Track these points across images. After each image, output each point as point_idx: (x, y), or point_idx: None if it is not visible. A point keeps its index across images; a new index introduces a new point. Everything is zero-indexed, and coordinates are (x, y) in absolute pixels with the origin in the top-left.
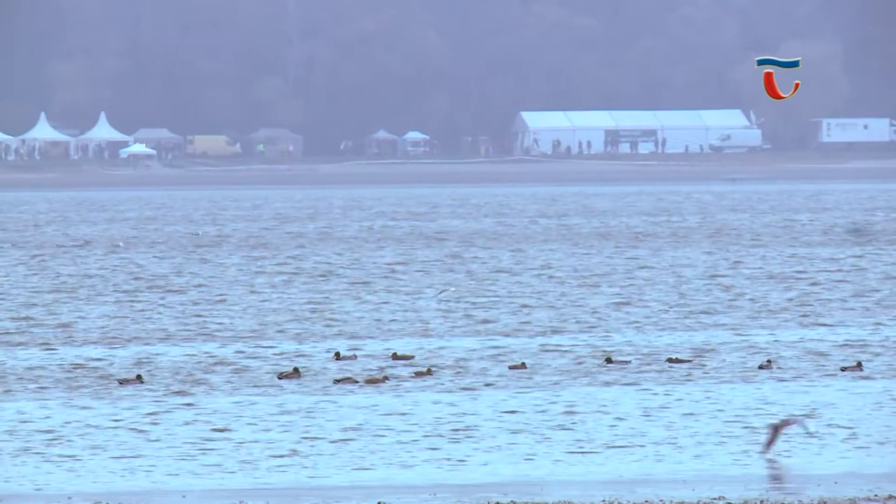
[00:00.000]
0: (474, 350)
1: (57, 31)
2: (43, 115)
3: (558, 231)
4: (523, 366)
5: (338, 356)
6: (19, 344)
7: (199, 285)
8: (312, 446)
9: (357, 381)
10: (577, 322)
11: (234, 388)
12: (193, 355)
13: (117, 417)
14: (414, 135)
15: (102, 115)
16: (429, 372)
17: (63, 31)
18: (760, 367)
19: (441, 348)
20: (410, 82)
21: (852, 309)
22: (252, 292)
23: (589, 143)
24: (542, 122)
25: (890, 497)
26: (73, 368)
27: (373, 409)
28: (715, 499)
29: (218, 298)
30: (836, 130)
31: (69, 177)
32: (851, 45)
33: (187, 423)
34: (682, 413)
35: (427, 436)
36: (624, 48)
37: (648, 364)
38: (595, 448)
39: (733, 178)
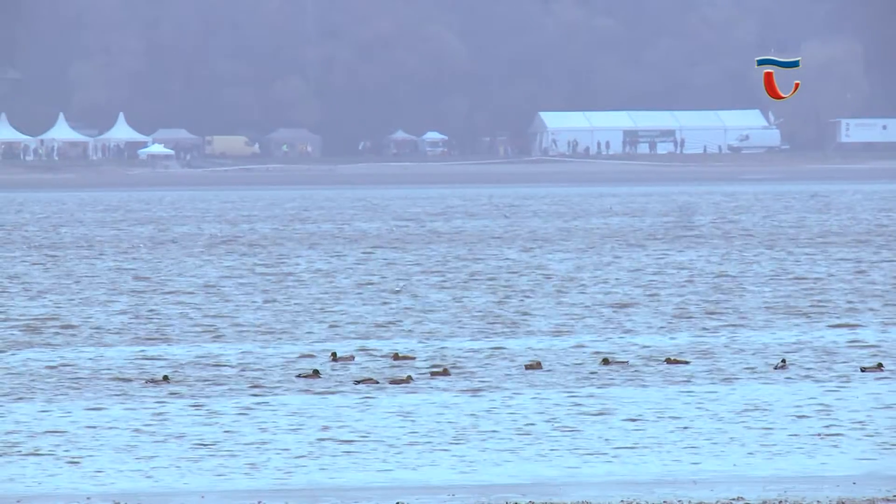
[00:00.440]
0: (475, 350)
1: (76, 31)
2: (62, 115)
3: (569, 232)
4: (539, 365)
5: (334, 357)
6: (47, 344)
7: (222, 284)
8: (331, 446)
9: (378, 382)
10: (583, 323)
11: (254, 389)
12: (217, 355)
13: (139, 418)
14: (432, 135)
15: (121, 116)
16: (445, 372)
17: (82, 31)
18: (776, 368)
19: (443, 348)
20: (429, 83)
21: (872, 310)
22: (267, 291)
23: (607, 144)
24: (560, 123)
25: None
26: (99, 368)
27: (391, 410)
28: (733, 499)
29: (236, 297)
30: (855, 131)
31: (88, 177)
32: (871, 46)
33: (207, 423)
34: (698, 413)
35: (445, 436)
36: (643, 48)
37: (656, 364)
38: (613, 448)
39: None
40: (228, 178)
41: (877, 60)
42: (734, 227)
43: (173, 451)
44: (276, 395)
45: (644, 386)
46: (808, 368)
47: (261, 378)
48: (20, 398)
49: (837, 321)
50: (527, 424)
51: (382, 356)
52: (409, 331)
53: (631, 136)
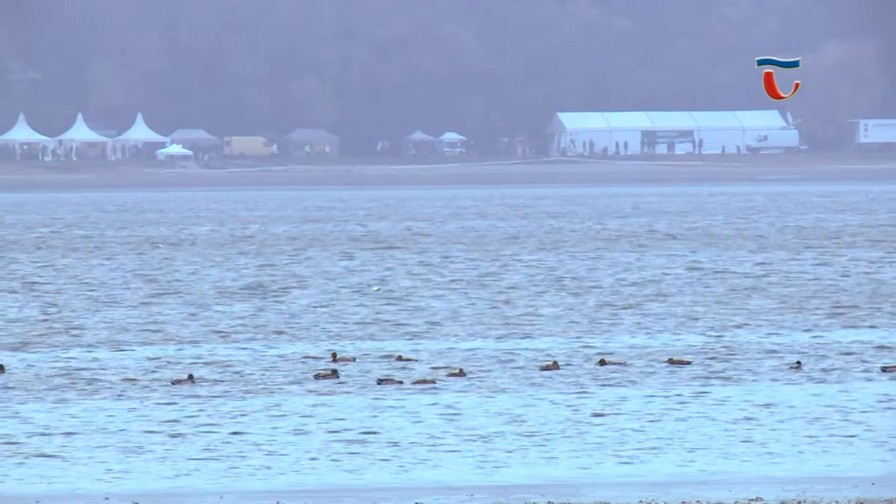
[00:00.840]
0: (478, 350)
1: (94, 31)
2: (80, 115)
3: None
4: (556, 366)
5: (334, 357)
6: (66, 344)
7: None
8: (349, 447)
9: (401, 382)
10: (595, 323)
11: (272, 389)
12: (234, 355)
13: (158, 417)
14: (450, 136)
15: (139, 116)
16: (461, 373)
17: (100, 31)
18: (791, 367)
19: (449, 349)
20: (447, 83)
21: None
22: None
23: (626, 144)
24: (578, 123)
25: None
26: (118, 368)
27: (411, 411)
28: (752, 499)
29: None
30: (874, 131)
31: (106, 178)
32: (889, 46)
33: (226, 424)
34: (715, 414)
35: (464, 436)
36: (661, 49)
37: (658, 364)
38: (631, 449)
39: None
40: (247, 178)
41: (895, 61)
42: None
43: (192, 451)
44: (296, 395)
45: (661, 386)
46: (825, 369)
47: (279, 378)
48: (40, 398)
49: (855, 321)
50: (544, 425)
51: (384, 357)
52: (413, 332)
53: (649, 137)
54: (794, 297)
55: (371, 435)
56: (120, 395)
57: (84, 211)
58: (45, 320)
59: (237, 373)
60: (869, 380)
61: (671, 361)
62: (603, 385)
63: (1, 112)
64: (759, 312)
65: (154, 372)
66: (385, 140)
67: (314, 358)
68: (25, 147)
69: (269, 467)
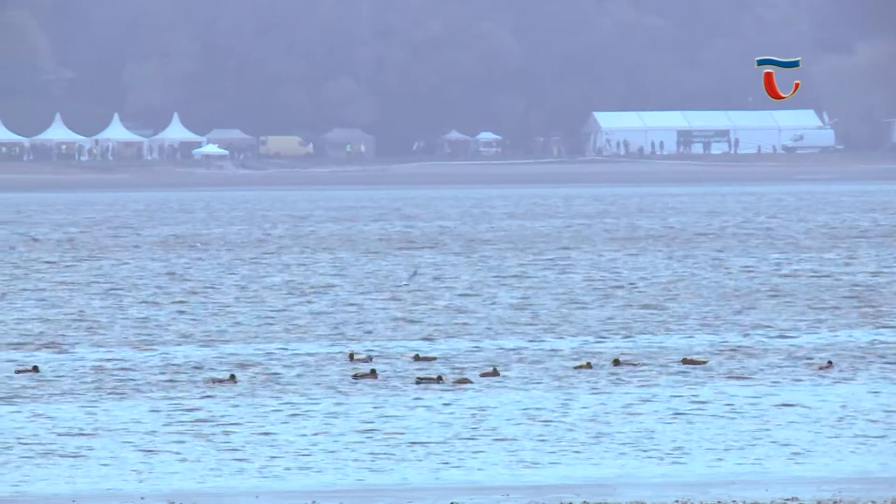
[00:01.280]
0: (509, 350)
1: (131, 31)
2: (116, 115)
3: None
4: (588, 365)
5: (352, 357)
6: (118, 343)
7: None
8: (385, 446)
9: (439, 381)
10: (622, 323)
11: (311, 389)
12: (272, 354)
13: (193, 418)
14: (486, 135)
15: (175, 116)
16: (495, 373)
17: (137, 31)
18: (821, 368)
19: (477, 349)
20: (483, 82)
21: None
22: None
23: (661, 144)
24: (614, 123)
25: None
26: (168, 368)
27: (444, 411)
28: (788, 499)
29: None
30: None
31: (142, 177)
32: None
33: (262, 423)
34: (750, 414)
35: (499, 436)
36: (697, 48)
37: (672, 364)
38: (666, 449)
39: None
40: (283, 178)
41: None
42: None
43: (228, 450)
44: (334, 395)
45: (694, 386)
46: (855, 369)
47: (318, 378)
48: (76, 398)
49: (886, 321)
50: (578, 424)
51: (401, 356)
52: (432, 332)
53: (685, 137)
54: (823, 296)
55: (407, 435)
56: (156, 395)
57: (150, 210)
58: (80, 320)
59: (276, 373)
60: None
61: (685, 361)
62: (637, 385)
63: (38, 112)
64: (786, 312)
65: (195, 371)
66: (421, 140)
67: (355, 358)
68: (64, 147)
69: (305, 467)
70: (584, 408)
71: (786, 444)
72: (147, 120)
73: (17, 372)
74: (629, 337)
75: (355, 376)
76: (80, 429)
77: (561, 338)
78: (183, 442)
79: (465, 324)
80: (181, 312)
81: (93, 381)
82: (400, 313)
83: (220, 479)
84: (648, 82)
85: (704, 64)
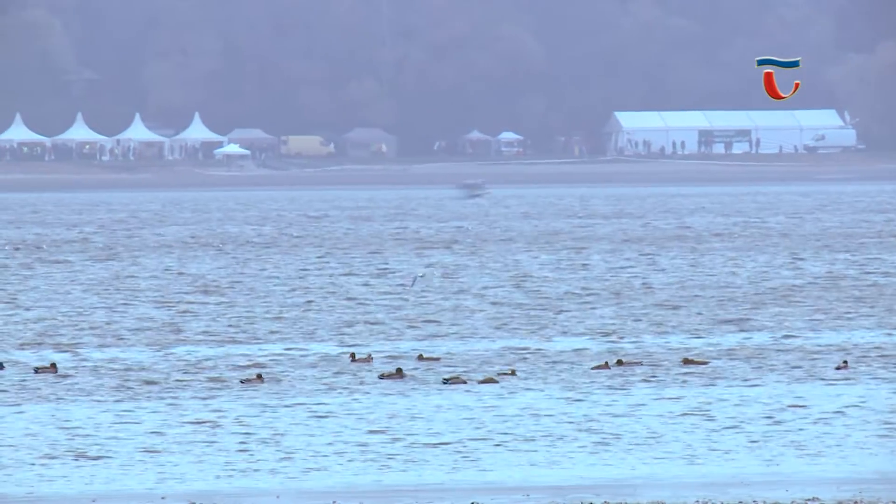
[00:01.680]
0: (525, 350)
1: (151, 31)
2: (137, 115)
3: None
4: (606, 365)
5: (353, 357)
6: (137, 343)
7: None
8: (406, 446)
9: (466, 382)
10: (632, 323)
11: (337, 388)
12: (301, 352)
13: (213, 418)
14: (507, 135)
15: (196, 116)
16: (513, 373)
17: (157, 31)
18: (837, 368)
19: (471, 350)
20: (504, 82)
21: None
22: (336, 291)
23: (683, 144)
24: (635, 123)
25: None
26: (188, 368)
27: (466, 410)
28: (808, 500)
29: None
30: None
31: (164, 177)
32: None
33: (286, 424)
34: (770, 415)
35: (519, 436)
36: (718, 48)
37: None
38: (687, 449)
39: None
40: (304, 178)
41: None
42: None
43: (249, 450)
44: (359, 395)
45: (710, 386)
46: (870, 370)
47: (344, 378)
48: (96, 398)
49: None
50: (599, 424)
51: (403, 356)
52: (437, 331)
53: (706, 136)
54: (837, 297)
55: (427, 434)
56: (176, 395)
57: (165, 210)
58: (109, 321)
59: (301, 374)
60: None
61: (686, 361)
62: (656, 385)
63: (59, 112)
64: (799, 312)
65: (214, 370)
66: (442, 140)
67: (331, 356)
68: (87, 147)
69: (325, 467)
70: (607, 407)
71: (804, 445)
72: (168, 120)
73: (37, 371)
74: (640, 337)
75: (382, 376)
76: (100, 429)
77: (577, 337)
78: (203, 442)
79: (474, 323)
80: (197, 313)
81: (112, 381)
82: (406, 312)
83: (240, 479)
84: (670, 82)
85: (726, 63)
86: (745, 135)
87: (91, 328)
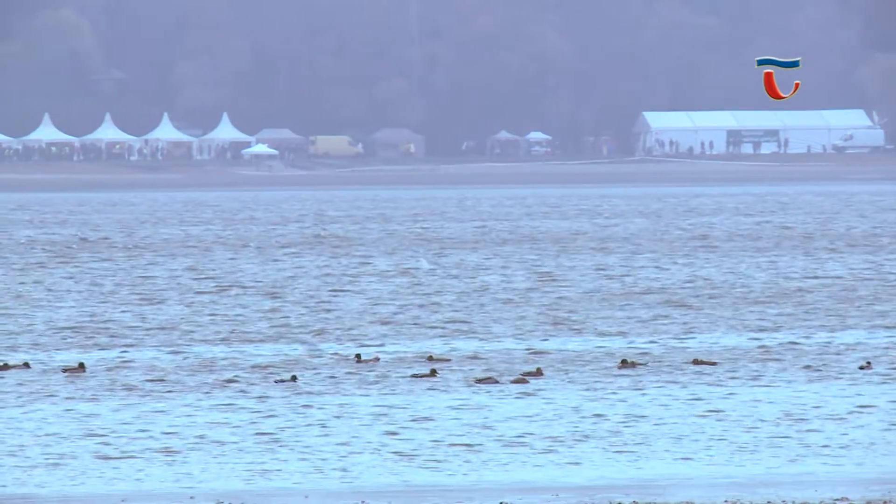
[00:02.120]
0: (551, 350)
1: (180, 31)
2: (166, 115)
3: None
4: (633, 364)
5: (359, 358)
6: (185, 341)
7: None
8: (434, 446)
9: (498, 382)
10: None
11: (368, 387)
12: (331, 352)
13: (243, 418)
14: (536, 135)
15: (225, 116)
16: (539, 373)
17: (186, 31)
18: (861, 368)
19: (485, 350)
20: (532, 82)
21: None
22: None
23: (711, 144)
24: (664, 123)
25: None
26: (215, 367)
27: (493, 410)
28: (837, 500)
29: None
30: None
31: (192, 177)
32: None
33: (312, 423)
34: (798, 415)
35: (548, 436)
36: (747, 48)
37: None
38: (715, 449)
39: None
40: (332, 178)
41: None
42: None
43: (277, 450)
44: (389, 394)
45: (735, 386)
46: (895, 369)
47: (374, 378)
48: (124, 397)
49: None
50: (627, 424)
51: (413, 357)
52: (454, 330)
53: (734, 136)
54: (859, 296)
55: (456, 434)
56: (204, 394)
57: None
58: (142, 322)
59: (331, 373)
60: None
61: (696, 362)
62: (682, 385)
63: (87, 112)
64: (820, 312)
65: (241, 370)
66: (470, 139)
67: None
68: (116, 147)
69: (353, 466)
70: (635, 406)
71: (829, 445)
72: (196, 120)
73: (65, 371)
74: (659, 337)
75: (413, 376)
76: (127, 428)
77: (600, 337)
78: (232, 441)
79: (495, 322)
80: (222, 313)
81: (139, 380)
82: (418, 312)
83: (269, 478)
84: (698, 82)
85: (753, 63)
86: (774, 135)
87: (120, 327)
